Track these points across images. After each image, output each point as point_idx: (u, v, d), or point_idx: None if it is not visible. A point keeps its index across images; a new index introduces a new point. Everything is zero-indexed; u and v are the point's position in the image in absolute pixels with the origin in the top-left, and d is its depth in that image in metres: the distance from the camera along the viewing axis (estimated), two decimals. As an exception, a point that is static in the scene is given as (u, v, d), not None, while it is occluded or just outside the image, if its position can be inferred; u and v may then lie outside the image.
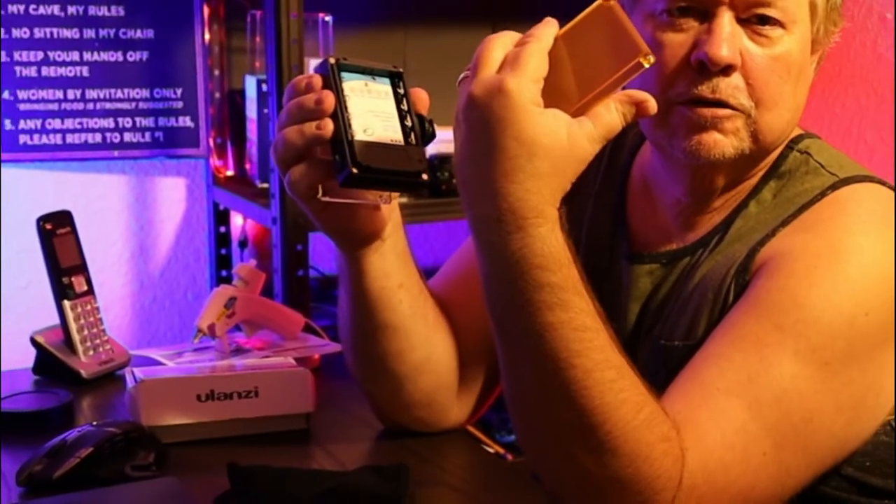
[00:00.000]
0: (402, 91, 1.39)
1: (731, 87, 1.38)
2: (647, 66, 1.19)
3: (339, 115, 1.31)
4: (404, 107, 1.38)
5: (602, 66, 1.21)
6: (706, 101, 1.39)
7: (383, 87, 1.38)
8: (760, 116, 1.40)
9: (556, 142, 1.15)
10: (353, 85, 1.33)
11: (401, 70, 1.39)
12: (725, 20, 1.37)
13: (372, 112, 1.34)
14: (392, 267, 1.51)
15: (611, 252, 1.60)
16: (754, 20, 1.38)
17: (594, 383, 1.17)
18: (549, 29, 1.21)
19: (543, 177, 1.15)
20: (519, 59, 1.17)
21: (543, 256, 1.16)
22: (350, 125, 1.30)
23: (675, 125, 1.42)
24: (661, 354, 1.44)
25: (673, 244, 1.54)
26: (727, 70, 1.38)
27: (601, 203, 1.65)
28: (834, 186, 1.42)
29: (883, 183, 1.44)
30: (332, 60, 1.33)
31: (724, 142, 1.40)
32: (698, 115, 1.40)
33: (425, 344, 1.52)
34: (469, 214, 1.19)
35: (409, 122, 1.38)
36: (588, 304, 1.19)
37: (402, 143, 1.35)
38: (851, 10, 2.33)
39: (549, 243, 1.16)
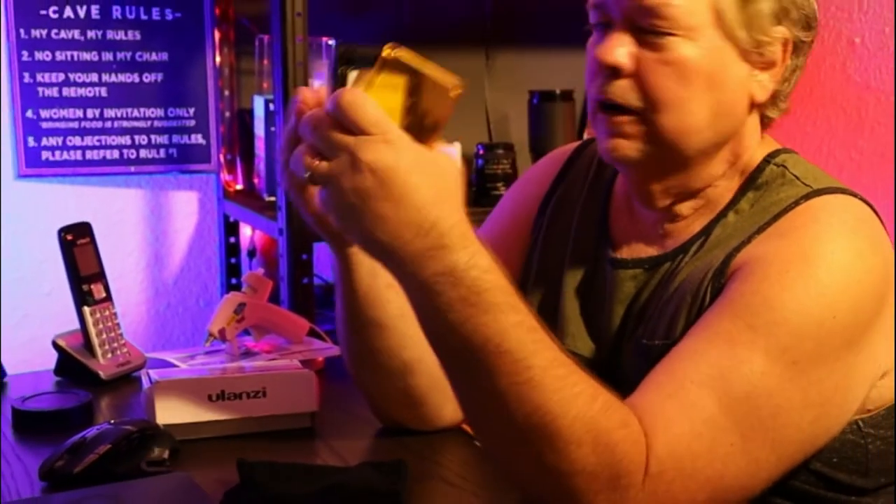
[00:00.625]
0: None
1: (621, 88, 1.42)
2: (459, 91, 1.16)
3: None
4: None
5: (428, 110, 1.17)
6: (607, 105, 1.44)
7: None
8: (657, 118, 1.42)
9: (436, 172, 1.14)
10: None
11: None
12: (618, 29, 1.42)
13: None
14: (375, 269, 1.48)
15: (596, 259, 1.61)
16: (647, 30, 1.40)
17: (550, 380, 1.17)
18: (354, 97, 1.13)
19: (447, 200, 1.14)
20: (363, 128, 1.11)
21: (489, 269, 1.16)
22: None
23: (597, 131, 1.48)
24: (643, 353, 1.44)
25: (654, 250, 1.54)
26: (617, 72, 1.42)
27: (586, 214, 1.65)
28: (807, 196, 1.42)
29: (854, 195, 1.44)
30: (391, 54, 1.18)
31: (626, 145, 1.44)
32: (606, 122, 1.45)
33: (415, 345, 1.52)
34: (404, 266, 1.15)
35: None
36: (527, 307, 1.20)
37: None
38: (822, 34, 2.31)
39: (484, 254, 1.16)
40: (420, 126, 1.13)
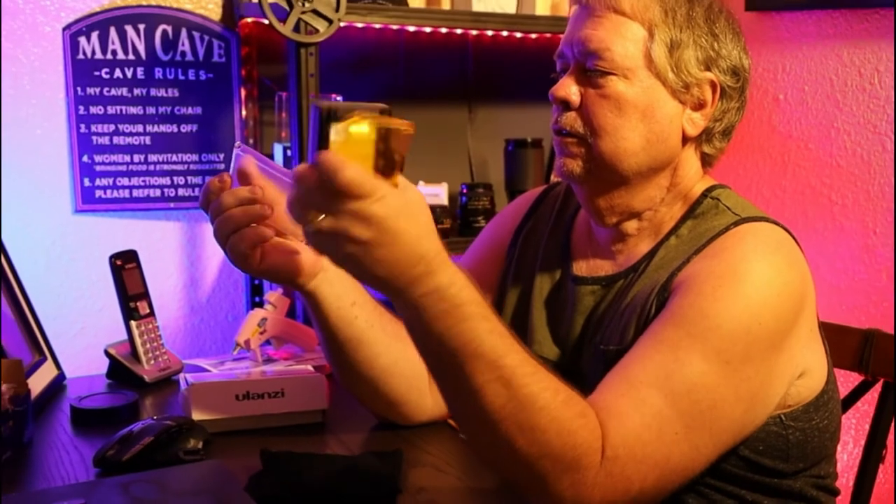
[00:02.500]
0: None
1: (570, 118, 1.47)
2: (412, 131, 1.16)
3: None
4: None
5: (393, 150, 1.15)
6: (559, 131, 1.49)
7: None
8: (596, 142, 1.46)
9: (416, 212, 1.14)
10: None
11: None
12: (570, 73, 1.48)
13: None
14: (341, 289, 1.51)
15: (560, 276, 1.62)
16: (592, 71, 1.45)
17: (519, 376, 1.17)
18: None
19: (428, 234, 1.15)
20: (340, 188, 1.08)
21: (465, 286, 1.17)
22: None
23: (555, 151, 1.52)
24: (600, 357, 1.45)
25: (610, 269, 1.55)
26: (566, 105, 1.47)
27: (553, 240, 1.66)
28: (736, 223, 1.43)
29: (775, 222, 1.46)
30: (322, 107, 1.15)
31: (572, 163, 1.48)
32: (558, 144, 1.50)
33: (387, 352, 1.52)
34: (399, 292, 1.15)
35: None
36: (497, 316, 1.20)
37: None
38: (751, 92, 2.31)
39: (460, 274, 1.17)
40: (389, 165, 1.13)
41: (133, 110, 2.54)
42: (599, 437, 1.21)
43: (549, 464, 1.19)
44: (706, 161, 1.55)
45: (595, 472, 1.20)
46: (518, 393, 1.17)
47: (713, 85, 1.47)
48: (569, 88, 1.47)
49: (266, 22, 2.30)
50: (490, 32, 2.87)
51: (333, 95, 2.54)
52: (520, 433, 1.18)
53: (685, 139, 1.49)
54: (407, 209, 1.12)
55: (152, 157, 2.58)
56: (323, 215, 1.10)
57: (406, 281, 1.14)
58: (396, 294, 1.16)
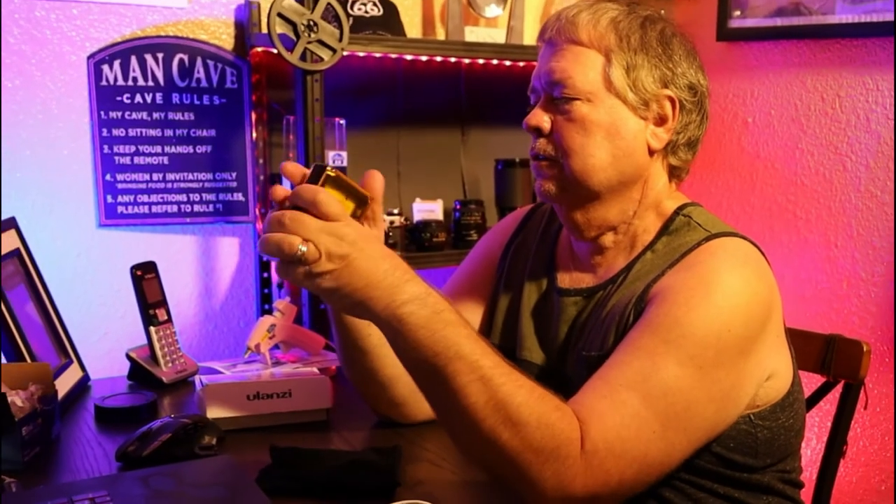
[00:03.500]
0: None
1: (542, 143, 1.50)
2: (368, 202, 1.30)
3: None
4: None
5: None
6: (535, 157, 1.51)
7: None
8: (566, 162, 1.47)
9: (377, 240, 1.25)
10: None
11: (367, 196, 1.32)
12: (541, 103, 1.50)
13: None
14: None
15: (547, 288, 1.62)
16: (558, 98, 1.47)
17: (497, 376, 1.20)
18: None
19: (390, 257, 1.23)
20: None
21: (440, 297, 1.22)
22: None
23: (533, 176, 1.54)
24: (583, 362, 1.45)
25: (591, 281, 1.56)
26: (538, 131, 1.49)
27: (539, 255, 1.67)
28: (707, 239, 1.44)
29: (743, 237, 1.46)
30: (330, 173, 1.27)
31: (547, 184, 1.51)
32: (535, 167, 1.52)
33: (394, 364, 1.52)
34: (383, 304, 1.20)
35: None
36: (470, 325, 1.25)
37: None
38: (721, 115, 2.33)
39: (431, 286, 1.23)
40: (353, 214, 1.27)
41: (152, 132, 2.54)
42: (577, 428, 1.22)
43: (532, 455, 1.20)
44: (674, 174, 1.56)
45: (575, 461, 1.21)
46: (498, 391, 1.19)
47: (672, 100, 1.48)
48: (540, 117, 1.49)
49: (275, 51, 2.30)
50: (481, 61, 2.87)
51: (337, 119, 2.55)
52: (502, 428, 1.19)
53: (651, 153, 1.50)
54: (368, 233, 1.22)
55: (170, 176, 2.58)
56: (303, 244, 1.17)
57: (385, 292, 1.19)
58: (380, 308, 1.20)
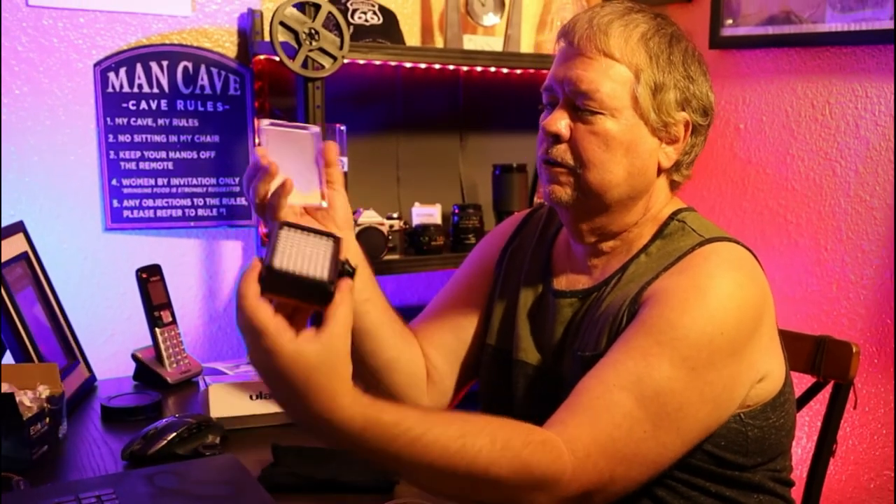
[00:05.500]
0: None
1: (560, 150, 1.46)
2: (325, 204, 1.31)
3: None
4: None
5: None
6: (549, 161, 1.48)
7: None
8: (584, 174, 1.45)
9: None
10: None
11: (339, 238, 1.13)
12: (561, 107, 1.46)
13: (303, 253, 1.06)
14: (360, 284, 1.49)
15: (542, 290, 1.62)
16: (582, 108, 1.44)
17: (454, 450, 1.13)
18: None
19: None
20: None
21: (368, 413, 1.09)
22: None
23: (542, 180, 1.51)
24: (578, 362, 1.45)
25: (586, 283, 1.56)
26: (557, 138, 1.46)
27: (535, 258, 1.67)
28: (701, 243, 1.44)
29: (737, 242, 1.46)
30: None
31: (560, 190, 1.48)
32: (548, 172, 1.49)
33: (392, 348, 1.51)
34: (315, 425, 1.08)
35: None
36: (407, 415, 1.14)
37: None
38: (715, 121, 2.32)
39: (357, 405, 1.08)
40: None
41: (157, 138, 2.55)
42: (552, 448, 1.20)
43: (520, 493, 1.19)
44: (673, 186, 1.56)
45: (565, 474, 1.20)
46: (460, 464, 1.14)
47: (686, 123, 1.48)
48: (560, 123, 1.46)
49: (277, 59, 2.31)
50: (479, 68, 2.88)
51: (338, 125, 2.55)
52: (483, 490, 1.17)
53: (659, 170, 1.50)
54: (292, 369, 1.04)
55: (175, 181, 2.58)
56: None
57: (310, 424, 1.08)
58: (323, 435, 1.10)
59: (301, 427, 1.09)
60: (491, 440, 1.16)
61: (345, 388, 1.06)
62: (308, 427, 1.08)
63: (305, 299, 1.05)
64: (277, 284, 1.02)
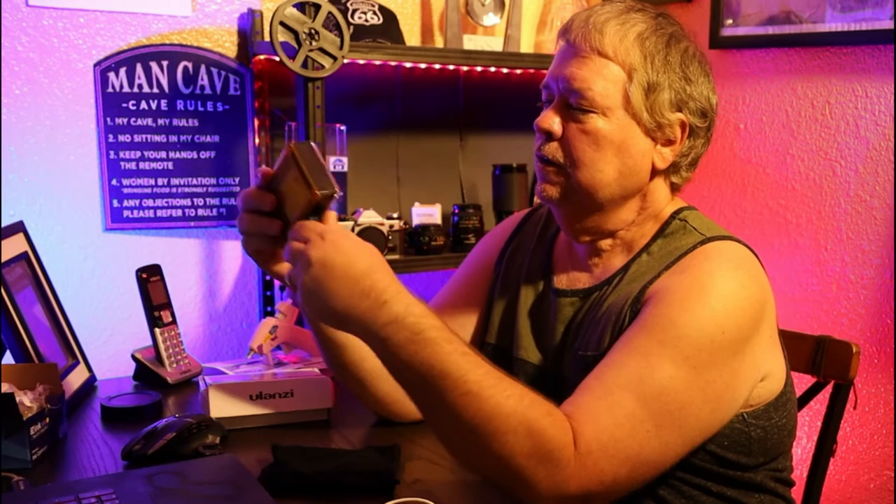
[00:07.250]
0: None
1: (552, 147, 1.46)
2: (324, 198, 1.28)
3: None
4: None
5: (298, 199, 1.28)
6: (542, 159, 1.48)
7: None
8: (574, 172, 1.45)
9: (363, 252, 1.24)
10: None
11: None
12: (554, 105, 1.46)
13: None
14: None
15: (543, 289, 1.61)
16: (574, 107, 1.44)
17: (486, 387, 1.19)
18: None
19: (378, 269, 1.24)
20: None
21: (424, 314, 1.22)
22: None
23: (536, 176, 1.51)
24: (579, 362, 1.44)
25: (587, 282, 1.55)
26: (550, 135, 1.46)
27: (536, 257, 1.67)
28: (702, 242, 1.43)
29: (737, 240, 1.46)
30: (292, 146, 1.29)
31: (550, 188, 1.48)
32: (540, 170, 1.49)
33: (372, 357, 1.52)
34: (359, 325, 1.23)
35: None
36: (457, 337, 1.23)
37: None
38: (716, 122, 2.30)
39: (417, 304, 1.23)
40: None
41: (157, 138, 2.54)
42: (569, 431, 1.22)
43: (524, 460, 1.19)
44: (674, 188, 1.55)
45: (568, 462, 1.20)
46: (486, 404, 1.18)
47: (682, 125, 1.47)
48: (552, 120, 1.46)
49: (277, 59, 2.31)
50: (479, 68, 2.88)
51: (337, 125, 2.55)
52: (492, 438, 1.19)
53: (655, 171, 1.49)
54: (344, 247, 1.23)
55: (174, 181, 2.58)
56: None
57: (362, 313, 1.21)
58: (357, 327, 1.23)
59: (353, 322, 1.23)
60: (521, 393, 1.21)
61: (402, 288, 1.23)
62: (360, 314, 1.21)
63: (313, 185, 1.25)
64: (307, 152, 1.26)
